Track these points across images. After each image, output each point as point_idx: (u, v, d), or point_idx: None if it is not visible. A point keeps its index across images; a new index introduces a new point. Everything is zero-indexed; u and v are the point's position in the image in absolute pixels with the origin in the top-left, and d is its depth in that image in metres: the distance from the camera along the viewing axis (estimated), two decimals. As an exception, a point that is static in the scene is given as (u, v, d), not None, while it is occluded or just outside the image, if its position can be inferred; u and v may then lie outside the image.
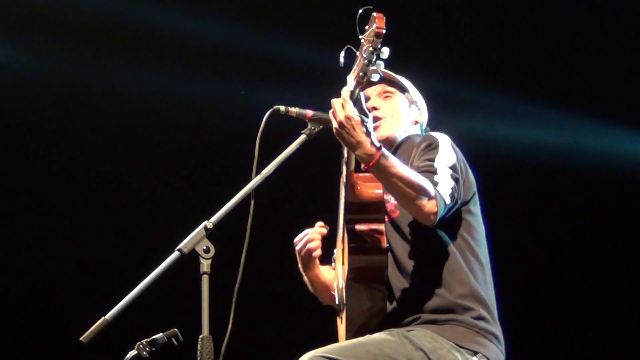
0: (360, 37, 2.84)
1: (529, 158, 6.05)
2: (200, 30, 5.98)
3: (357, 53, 2.86)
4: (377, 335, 3.15)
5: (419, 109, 3.58)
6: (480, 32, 5.94)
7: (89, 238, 6.23)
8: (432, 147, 3.26)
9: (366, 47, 2.78)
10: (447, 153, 3.24)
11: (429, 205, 3.03)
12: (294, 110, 3.14)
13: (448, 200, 3.09)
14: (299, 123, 3.15)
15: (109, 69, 6.01)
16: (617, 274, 6.04)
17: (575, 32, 5.89)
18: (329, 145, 3.24)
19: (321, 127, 3.13)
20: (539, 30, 5.93)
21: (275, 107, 3.14)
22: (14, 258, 6.21)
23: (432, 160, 3.20)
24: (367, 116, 2.94)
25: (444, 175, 3.15)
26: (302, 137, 3.13)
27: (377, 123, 3.40)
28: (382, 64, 2.78)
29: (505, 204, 5.41)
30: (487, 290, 3.29)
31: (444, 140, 3.29)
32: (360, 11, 2.82)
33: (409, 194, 3.01)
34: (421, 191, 3.02)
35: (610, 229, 6.04)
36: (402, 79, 3.59)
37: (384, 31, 2.74)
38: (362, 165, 3.07)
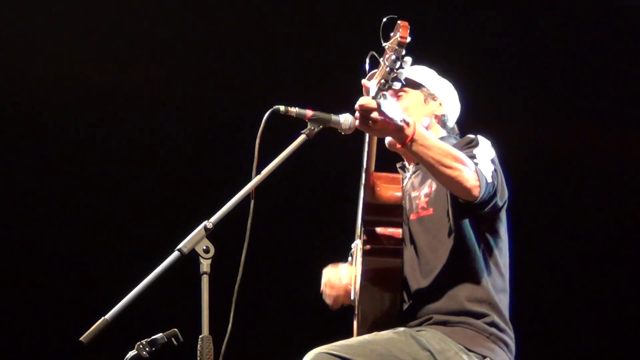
0: (384, 44, 2.82)
1: (535, 160, 6.04)
2: (200, 29, 5.98)
3: (380, 60, 2.85)
4: (384, 334, 3.15)
5: (439, 102, 3.54)
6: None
7: (89, 238, 6.23)
8: (472, 144, 3.25)
9: (389, 55, 2.77)
10: (487, 149, 3.22)
11: (472, 178, 3.00)
12: (294, 110, 3.13)
13: (489, 180, 3.06)
14: (299, 123, 3.15)
15: (109, 65, 6.01)
16: (628, 280, 6.02)
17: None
18: (329, 146, 3.24)
19: (321, 127, 3.12)
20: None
21: (275, 107, 3.13)
22: (14, 258, 6.21)
23: (472, 150, 3.19)
24: (385, 97, 2.90)
25: (484, 161, 3.14)
26: (302, 137, 3.11)
27: None
28: (404, 72, 2.78)
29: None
30: (504, 300, 3.28)
31: (483, 139, 3.28)
32: (385, 20, 2.81)
33: (449, 164, 2.98)
34: (462, 162, 3.00)
35: (624, 234, 6.02)
36: (420, 72, 3.56)
37: (408, 40, 2.73)
38: (398, 145, 3.05)
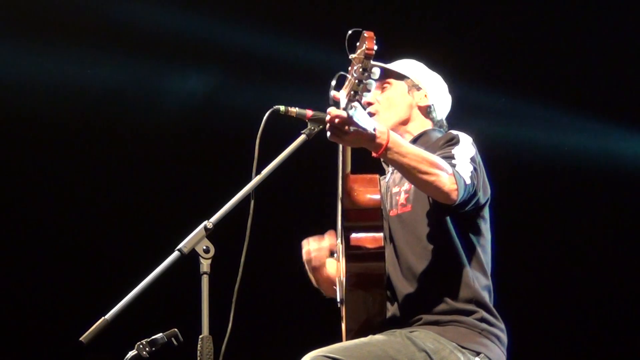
0: (351, 56, 2.80)
1: (528, 158, 6.04)
2: (200, 30, 5.98)
3: (349, 70, 2.82)
4: (380, 336, 3.15)
5: (425, 93, 3.52)
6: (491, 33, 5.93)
7: (89, 238, 6.23)
8: (452, 142, 3.25)
9: (357, 67, 2.74)
10: (467, 147, 3.22)
11: (448, 182, 2.99)
12: (294, 110, 3.14)
13: (468, 181, 3.05)
14: (299, 123, 3.15)
15: (111, 69, 6.01)
16: (619, 276, 6.02)
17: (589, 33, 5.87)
18: (329, 145, 3.24)
19: (321, 127, 3.12)
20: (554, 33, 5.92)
21: (275, 107, 3.13)
22: (14, 258, 6.21)
23: (450, 150, 3.18)
24: (355, 109, 2.86)
25: (463, 161, 3.13)
26: (302, 137, 3.12)
27: (373, 118, 3.38)
28: (373, 83, 2.75)
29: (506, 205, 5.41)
30: (488, 296, 3.28)
31: (464, 137, 3.27)
32: (350, 32, 2.79)
33: (425, 170, 2.97)
34: (438, 166, 2.99)
35: (614, 230, 6.02)
36: (405, 64, 3.55)
37: (374, 51, 2.70)
38: (373, 154, 3.04)
